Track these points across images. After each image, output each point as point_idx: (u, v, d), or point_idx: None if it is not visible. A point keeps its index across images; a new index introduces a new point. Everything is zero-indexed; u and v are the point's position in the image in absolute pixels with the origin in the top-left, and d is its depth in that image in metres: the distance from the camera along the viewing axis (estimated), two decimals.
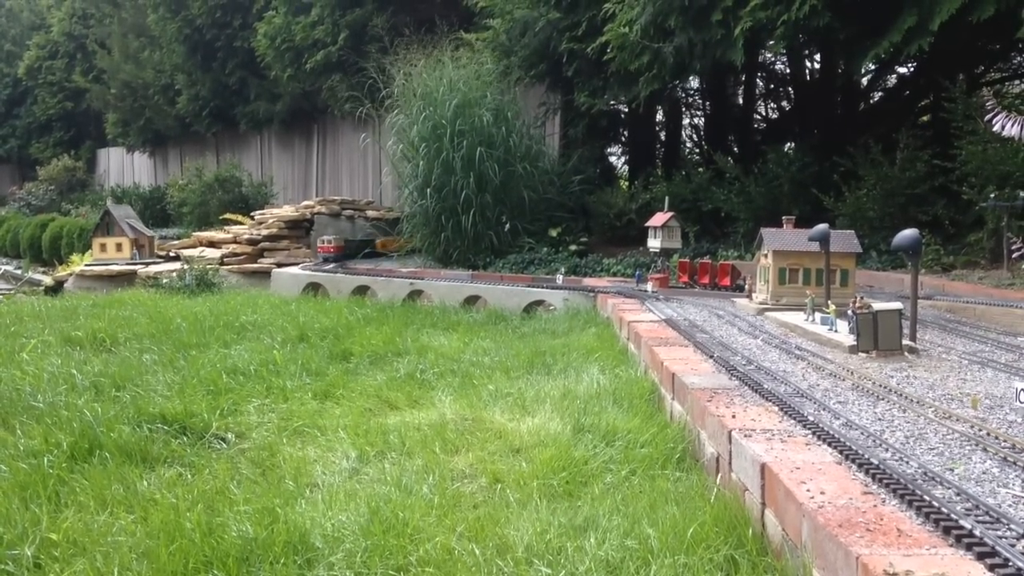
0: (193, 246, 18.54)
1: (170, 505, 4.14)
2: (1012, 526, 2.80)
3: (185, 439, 5.47)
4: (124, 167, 39.13)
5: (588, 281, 11.88)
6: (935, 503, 2.99)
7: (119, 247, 17.82)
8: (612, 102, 16.35)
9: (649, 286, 10.06)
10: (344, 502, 4.18)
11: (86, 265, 17.71)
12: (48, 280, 19.11)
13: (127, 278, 16.54)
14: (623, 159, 21.49)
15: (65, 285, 17.42)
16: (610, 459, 4.65)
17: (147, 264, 17.29)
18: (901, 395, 4.65)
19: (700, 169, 15.53)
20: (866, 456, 3.53)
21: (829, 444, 3.78)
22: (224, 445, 5.43)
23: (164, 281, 14.57)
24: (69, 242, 24.80)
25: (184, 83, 28.60)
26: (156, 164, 36.44)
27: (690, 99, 20.60)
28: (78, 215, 28.89)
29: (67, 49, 38.62)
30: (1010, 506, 3.02)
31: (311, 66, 21.20)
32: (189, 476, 4.80)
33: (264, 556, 3.62)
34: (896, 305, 6.05)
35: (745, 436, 3.90)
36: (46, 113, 40.11)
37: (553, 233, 15.02)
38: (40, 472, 4.66)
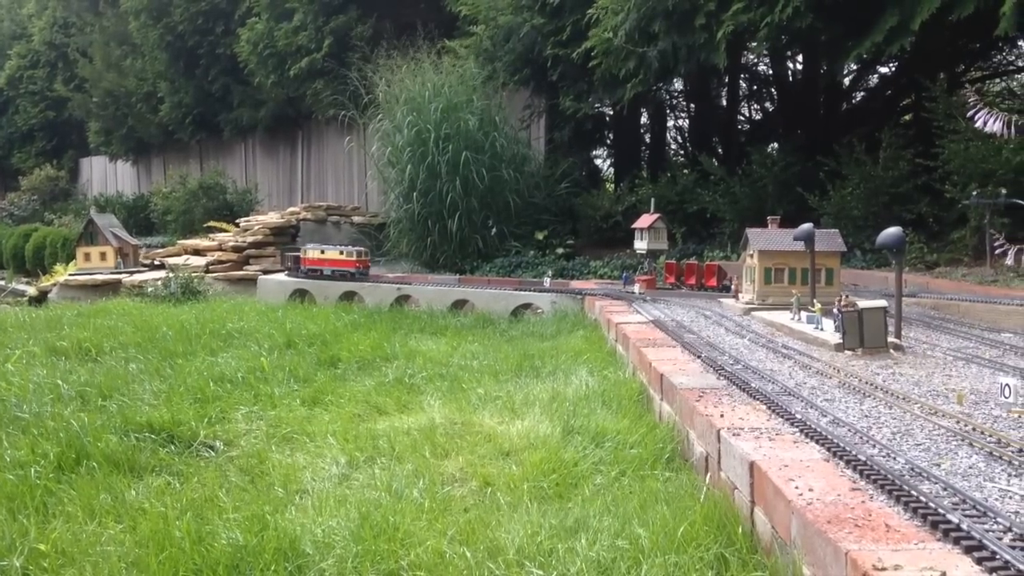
0: (178, 254, 18.41)
1: (159, 514, 4.11)
2: (999, 520, 2.83)
3: (173, 448, 5.44)
4: (107, 176, 38.82)
5: (575, 284, 11.90)
6: (923, 498, 3.01)
7: (103, 256, 17.68)
8: (597, 105, 16.40)
9: (636, 288, 10.09)
10: (334, 508, 4.17)
11: (70, 275, 17.55)
12: (32, 290, 18.93)
13: (112, 287, 16.41)
14: (608, 162, 21.57)
15: (49, 295, 17.27)
16: (600, 460, 4.67)
17: (132, 273, 17.14)
18: (887, 392, 4.69)
19: (685, 171, 15.59)
20: (854, 453, 3.55)
21: (817, 441, 3.80)
22: (212, 453, 5.41)
23: (149, 290, 14.46)
24: (53, 252, 24.56)
25: (167, 91, 28.40)
26: (139, 172, 36.19)
27: (674, 101, 20.71)
28: (61, 225, 28.61)
29: (49, 58, 38.26)
30: (996, 500, 3.05)
31: (295, 72, 21.12)
32: (177, 485, 4.77)
33: (254, 563, 3.60)
34: (881, 303, 6.10)
35: (734, 435, 3.92)
36: (28, 123, 39.68)
37: (540, 236, 15.04)
38: (27, 483, 4.62)
